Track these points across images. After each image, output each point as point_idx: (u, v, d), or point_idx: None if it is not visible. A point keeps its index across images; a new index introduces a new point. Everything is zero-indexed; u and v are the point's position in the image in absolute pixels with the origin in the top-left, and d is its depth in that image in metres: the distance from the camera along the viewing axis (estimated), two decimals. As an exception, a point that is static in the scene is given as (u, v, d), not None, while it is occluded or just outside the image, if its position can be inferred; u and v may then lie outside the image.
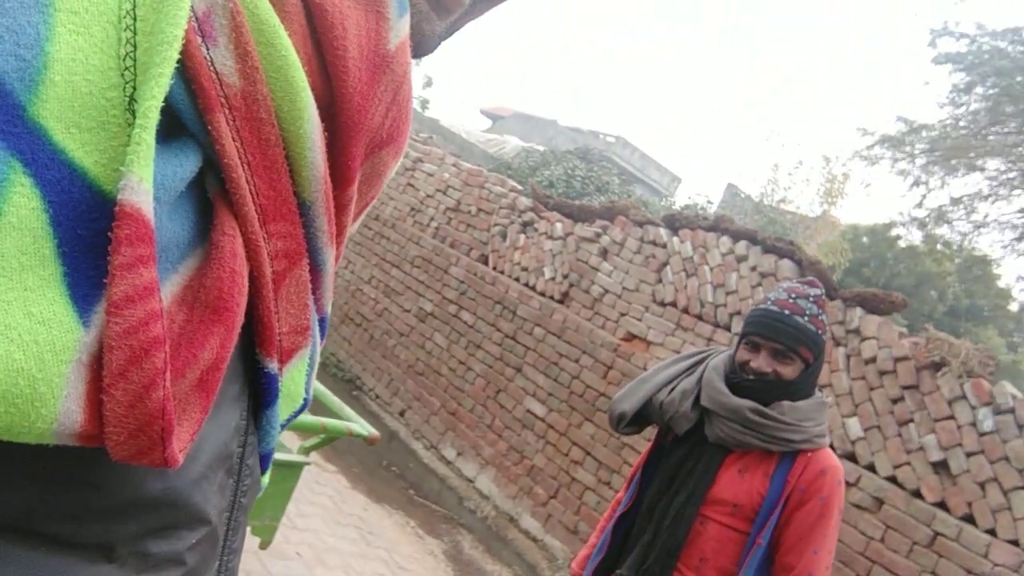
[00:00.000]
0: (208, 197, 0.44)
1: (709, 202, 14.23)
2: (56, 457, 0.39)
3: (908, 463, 3.84)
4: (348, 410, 2.78)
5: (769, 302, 1.99)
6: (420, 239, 7.08)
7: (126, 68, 0.38)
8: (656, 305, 5.21)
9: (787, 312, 1.94)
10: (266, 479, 0.59)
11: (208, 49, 0.41)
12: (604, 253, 5.64)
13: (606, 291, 5.53)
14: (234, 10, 0.42)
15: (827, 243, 12.84)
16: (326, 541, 4.03)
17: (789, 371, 1.95)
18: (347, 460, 5.32)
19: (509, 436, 5.66)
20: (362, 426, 2.69)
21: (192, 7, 0.41)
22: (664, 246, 5.28)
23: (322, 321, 0.56)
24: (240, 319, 0.43)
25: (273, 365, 0.50)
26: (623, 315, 5.37)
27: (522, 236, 6.28)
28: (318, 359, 0.57)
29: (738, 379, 1.98)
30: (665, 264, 5.24)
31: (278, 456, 2.56)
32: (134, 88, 0.38)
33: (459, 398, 6.12)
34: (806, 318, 1.94)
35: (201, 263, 0.43)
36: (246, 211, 0.44)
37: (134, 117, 0.38)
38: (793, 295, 1.98)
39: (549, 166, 12.38)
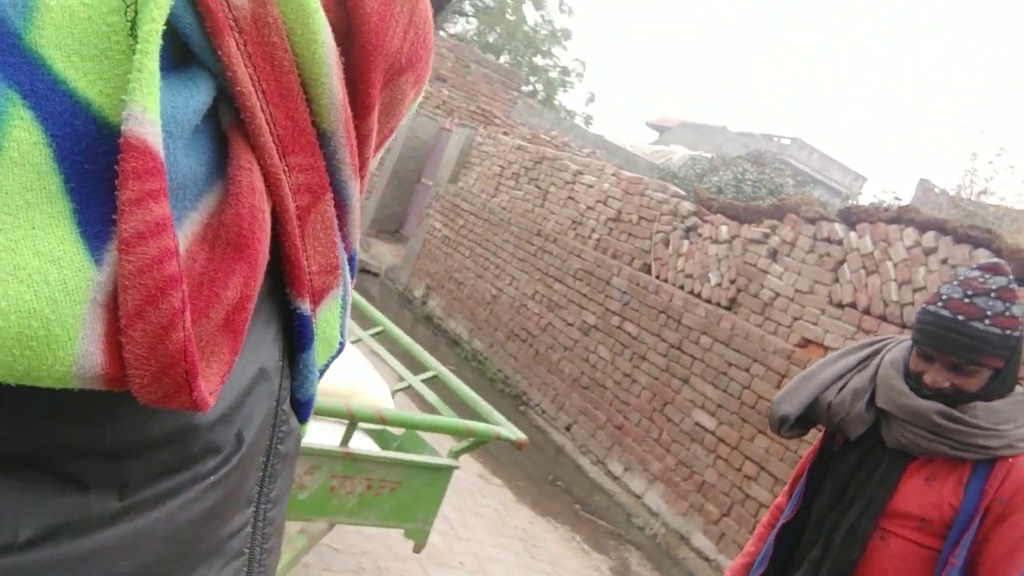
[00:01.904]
0: (224, 131, 0.42)
1: (897, 199, 13.16)
2: (55, 396, 0.37)
3: None
4: (497, 415, 2.74)
5: (940, 303, 1.69)
6: (582, 252, 7.03)
7: None
8: (833, 307, 4.82)
9: (960, 318, 1.64)
10: (305, 430, 0.56)
11: None
12: (774, 254, 5.31)
13: (777, 294, 5.20)
14: None
15: (1041, 237, 11.44)
16: (490, 552, 4.02)
17: (972, 383, 1.67)
18: (513, 473, 5.32)
19: (677, 450, 5.43)
20: (510, 430, 2.64)
21: None
22: (840, 243, 4.88)
23: (351, 260, 0.53)
24: (263, 256, 0.42)
25: (305, 306, 0.48)
26: (797, 319, 5.01)
27: (685, 242, 6.05)
28: (351, 300, 0.54)
29: (918, 389, 1.72)
30: (842, 262, 4.85)
31: (428, 459, 2.56)
32: (136, 12, 0.36)
33: (625, 411, 5.97)
34: (987, 321, 1.63)
35: (221, 200, 0.41)
36: (263, 142, 0.42)
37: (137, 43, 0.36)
38: (969, 292, 1.66)
39: (717, 172, 12.00)
